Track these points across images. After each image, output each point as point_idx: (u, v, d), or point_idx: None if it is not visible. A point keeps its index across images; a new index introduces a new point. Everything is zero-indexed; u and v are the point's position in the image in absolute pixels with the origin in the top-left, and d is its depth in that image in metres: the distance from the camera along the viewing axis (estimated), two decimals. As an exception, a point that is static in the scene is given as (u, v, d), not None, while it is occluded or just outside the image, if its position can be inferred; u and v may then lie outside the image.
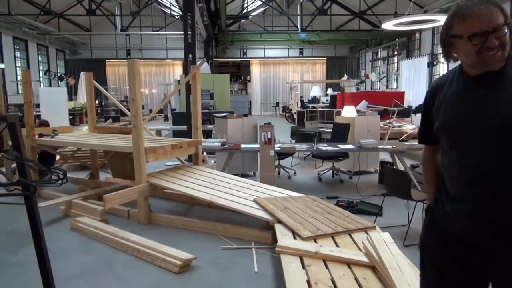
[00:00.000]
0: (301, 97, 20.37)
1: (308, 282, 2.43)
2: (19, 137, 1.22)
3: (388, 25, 8.88)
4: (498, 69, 1.28)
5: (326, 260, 2.72)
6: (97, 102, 17.36)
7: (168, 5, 19.30)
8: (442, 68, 15.46)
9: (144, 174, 4.28)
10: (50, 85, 18.60)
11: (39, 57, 18.72)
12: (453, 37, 1.31)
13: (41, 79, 18.50)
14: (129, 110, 4.51)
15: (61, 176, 1.23)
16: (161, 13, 20.46)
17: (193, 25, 7.34)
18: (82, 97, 12.47)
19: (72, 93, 18.23)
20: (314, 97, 18.27)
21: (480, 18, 1.23)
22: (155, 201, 4.83)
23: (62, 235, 3.96)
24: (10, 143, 1.37)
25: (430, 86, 1.53)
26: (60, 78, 17.94)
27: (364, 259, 2.67)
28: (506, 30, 1.24)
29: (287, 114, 18.95)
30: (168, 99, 10.23)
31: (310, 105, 16.07)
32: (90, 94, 5.87)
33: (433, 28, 15.21)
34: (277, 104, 23.81)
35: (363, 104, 5.71)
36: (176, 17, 18.45)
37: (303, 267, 2.64)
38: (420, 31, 16.78)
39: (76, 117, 16.10)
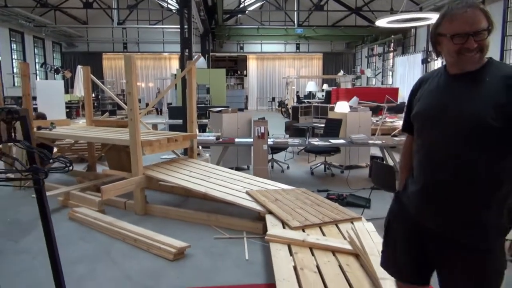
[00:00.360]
0: (297, 92, 20.51)
1: (295, 268, 2.59)
2: (30, 129, 1.35)
3: (382, 22, 9.01)
4: (474, 70, 1.41)
5: (312, 248, 2.88)
6: (93, 95, 17.40)
7: (165, -1, 19.32)
8: (436, 65, 15.62)
9: (140, 166, 4.41)
10: (47, 78, 18.62)
11: (36, 49, 18.72)
12: (439, 35, 1.44)
13: (37, 71, 18.52)
14: (125, 103, 4.63)
15: (68, 164, 1.36)
16: (158, 6, 20.45)
17: (190, 20, 7.45)
18: (79, 91, 12.55)
19: (68, 86, 18.25)
20: (310, 92, 18.41)
21: (465, 20, 1.36)
22: (150, 193, 4.97)
23: (60, 225, 4.09)
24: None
25: (418, 79, 1.67)
26: (57, 71, 17.97)
27: (348, 247, 2.83)
28: (486, 35, 1.36)
29: (282, 109, 19.09)
30: (163, 94, 10.31)
31: (306, 100, 16.22)
32: (87, 87, 5.98)
33: (428, 25, 15.34)
34: (273, 99, 23.94)
35: (354, 100, 5.86)
36: (173, 11, 18.45)
37: (291, 254, 2.80)
38: (415, 28, 16.92)
39: (72, 110, 16.16)
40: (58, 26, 18.45)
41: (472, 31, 1.35)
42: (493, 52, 11.74)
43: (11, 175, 1.48)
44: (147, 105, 18.40)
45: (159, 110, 19.72)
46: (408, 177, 1.62)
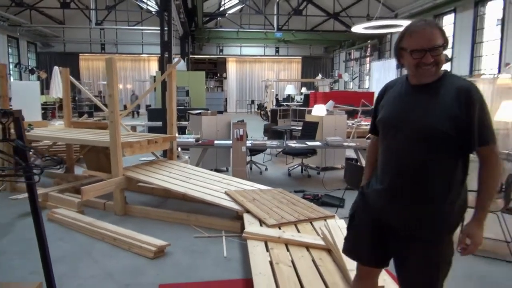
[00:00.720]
0: (276, 95, 20.75)
1: (271, 262, 2.73)
2: (22, 129, 1.43)
3: (358, 28, 9.31)
4: (431, 82, 1.58)
5: (288, 244, 3.04)
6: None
7: (145, 0, 19.21)
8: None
9: (120, 167, 4.47)
10: (21, 79, 18.22)
11: (9, 49, 18.29)
12: (401, 49, 1.61)
13: (11, 72, 18.10)
14: (104, 105, 4.68)
15: (60, 161, 1.46)
16: (137, 8, 20.32)
17: (170, 23, 7.52)
18: (56, 92, 12.35)
19: (44, 87, 17.92)
20: (289, 95, 18.68)
21: (422, 37, 1.53)
22: (130, 194, 5.02)
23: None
24: None
25: (383, 86, 1.84)
26: (31, 72, 17.61)
27: (321, 242, 3.00)
28: (441, 51, 1.54)
29: (262, 112, 19.28)
30: (143, 97, 10.31)
31: (284, 104, 16.46)
32: (66, 89, 5.98)
33: (402, 32, 15.87)
34: (253, 101, 24.12)
35: (329, 103, 6.08)
36: (153, 12, 18.40)
37: (267, 250, 2.94)
38: (391, 34, 17.42)
39: (48, 111, 15.87)
40: (33, 26, 18.11)
41: (429, 47, 1.52)
42: (463, 58, 12.29)
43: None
44: (125, 107, 18.24)
45: (134, 112, 19.57)
46: (373, 175, 1.79)
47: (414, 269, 1.62)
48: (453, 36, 12.88)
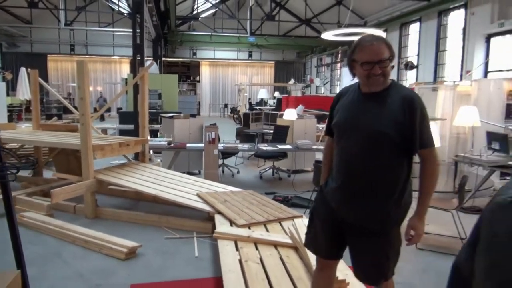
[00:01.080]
0: (249, 99, 20.92)
1: (240, 260, 2.85)
2: (-2, 131, 1.47)
3: (328, 35, 9.60)
4: (380, 91, 1.77)
5: (257, 242, 3.16)
6: (37, 98, 16.68)
7: (116, 2, 18.98)
8: (379, 76, 16.69)
9: (91, 170, 4.47)
10: (-15, 79, 17.57)
11: (-27, 48, 17.62)
12: (353, 61, 1.79)
13: (-25, 72, 17.42)
14: (74, 107, 4.66)
15: (35, 162, 1.50)
16: (109, 9, 20.02)
17: (142, 26, 7.52)
18: (23, 94, 12.04)
19: (9, 88, 17.35)
20: (262, 99, 18.90)
21: (371, 51, 1.71)
22: (101, 197, 5.01)
23: (7, 229, 4.04)
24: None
25: (338, 92, 2.01)
26: (-3, 72, 17.02)
27: (289, 241, 3.14)
28: (388, 63, 1.72)
29: (235, 116, 19.38)
30: (114, 101, 10.23)
31: (257, 107, 16.63)
32: (35, 91, 5.89)
33: (371, 39, 16.40)
34: (226, 105, 24.18)
35: (299, 108, 6.27)
36: (125, 14, 18.18)
37: (237, 249, 3.05)
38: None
39: (14, 114, 15.39)
40: (-1, 25, 17.53)
41: (377, 60, 1.70)
42: (428, 65, 12.85)
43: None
44: (95, 109, 17.90)
45: (102, 115, 19.16)
46: (330, 174, 1.94)
47: (366, 258, 1.80)
48: (419, 44, 13.45)
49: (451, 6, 11.66)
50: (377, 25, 14.81)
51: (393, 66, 1.76)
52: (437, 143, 4.31)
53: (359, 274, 1.87)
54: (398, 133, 1.69)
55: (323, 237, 1.93)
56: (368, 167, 1.74)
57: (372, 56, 1.70)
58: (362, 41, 1.75)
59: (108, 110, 20.42)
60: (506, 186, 0.62)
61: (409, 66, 12.68)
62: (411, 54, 14.16)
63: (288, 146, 6.16)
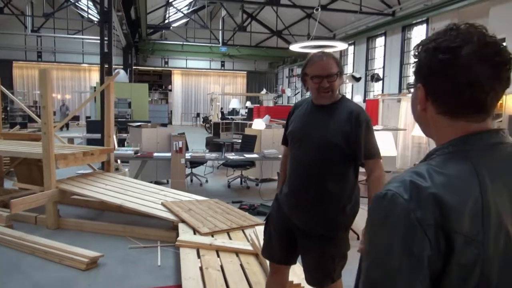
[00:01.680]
0: (222, 108, 20.98)
1: (201, 268, 2.89)
2: None
3: (296, 47, 9.84)
4: (330, 104, 1.90)
5: (218, 250, 3.21)
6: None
7: (86, 9, 18.71)
8: (348, 87, 17.15)
9: (53, 180, 4.40)
10: None
11: None
12: (305, 75, 1.91)
13: None
14: (39, 116, 4.59)
15: None
16: (78, 16, 19.71)
17: (110, 34, 7.49)
18: (-16, 101, 11.58)
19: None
20: (234, 109, 19.00)
21: (321, 66, 1.85)
22: (64, 207, 4.91)
23: (-38, 241, 3.92)
24: None
25: (294, 104, 2.15)
26: (-42, 79, 16.35)
27: (250, 248, 3.21)
28: (336, 78, 1.86)
29: (207, 125, 19.38)
30: (77, 111, 10.03)
31: (229, 117, 16.71)
32: (-4, 99, 5.74)
33: (341, 51, 16.87)
34: (198, 114, 24.14)
35: (266, 118, 6.41)
36: (94, 22, 17.94)
37: (199, 256, 3.10)
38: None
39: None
40: (-40, 30, 16.90)
41: (325, 74, 1.84)
42: (393, 78, 13.35)
43: None
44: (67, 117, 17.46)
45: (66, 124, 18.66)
46: (285, 181, 2.04)
47: (314, 261, 1.90)
48: (384, 57, 13.97)
49: (414, 22, 12.22)
50: (345, 38, 15.28)
51: (342, 82, 1.89)
52: (394, 152, 4.52)
53: (307, 276, 1.97)
54: (345, 143, 1.82)
55: (277, 242, 2.02)
56: (318, 174, 1.85)
57: (321, 71, 1.84)
58: (313, 57, 1.90)
59: (77, 118, 20.01)
60: (388, 182, 0.74)
61: (375, 78, 13.14)
62: (378, 66, 14.67)
63: (255, 155, 6.26)
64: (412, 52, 0.85)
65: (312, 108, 1.95)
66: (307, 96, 2.07)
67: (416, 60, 0.81)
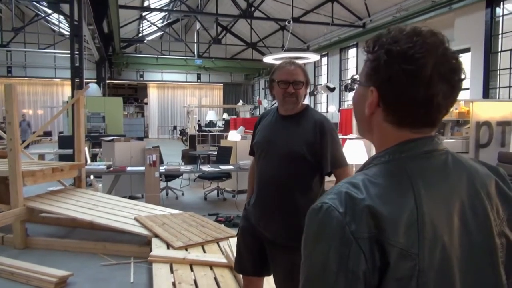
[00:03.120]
0: (199, 121, 20.88)
1: (174, 283, 2.83)
2: None
3: (269, 59, 9.94)
4: (295, 113, 1.92)
5: (192, 264, 3.16)
6: (-32, 123, 15.58)
7: (57, 23, 18.41)
8: (322, 97, 17.42)
9: (20, 197, 4.25)
10: None
11: None
12: (272, 81, 1.94)
13: None
14: (4, 132, 4.45)
15: None
16: (50, 30, 19.37)
17: (81, 49, 7.38)
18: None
19: None
20: (211, 121, 18.94)
21: (288, 71, 1.89)
22: (33, 226, 4.75)
23: None
24: None
25: (260, 115, 2.16)
26: None
27: (224, 260, 3.17)
28: (302, 86, 1.89)
29: (184, 138, 19.23)
30: (47, 125, 9.79)
31: (206, 129, 16.64)
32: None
33: (314, 62, 17.16)
34: (175, 127, 23.95)
35: (240, 129, 6.42)
36: (66, 36, 17.64)
37: (172, 271, 3.03)
38: (304, 64, 18.68)
39: None
40: None
41: (292, 80, 1.86)
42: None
43: None
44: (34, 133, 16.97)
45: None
46: (254, 187, 2.04)
47: (282, 271, 1.88)
48: (357, 67, 14.29)
49: (384, 33, 12.58)
50: (318, 50, 15.56)
51: (310, 93, 1.92)
52: (359, 160, 4.59)
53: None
54: (310, 153, 1.83)
55: (247, 254, 2.00)
56: (283, 184, 1.85)
57: (288, 76, 1.87)
58: (281, 63, 1.95)
59: (49, 134, 19.52)
60: (324, 194, 0.72)
61: (349, 88, 13.39)
62: (351, 76, 14.97)
63: (230, 167, 6.24)
64: (365, 45, 0.77)
65: (278, 118, 1.96)
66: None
67: (371, 58, 0.74)
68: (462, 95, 9.62)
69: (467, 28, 9.37)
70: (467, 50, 9.43)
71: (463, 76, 0.72)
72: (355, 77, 0.83)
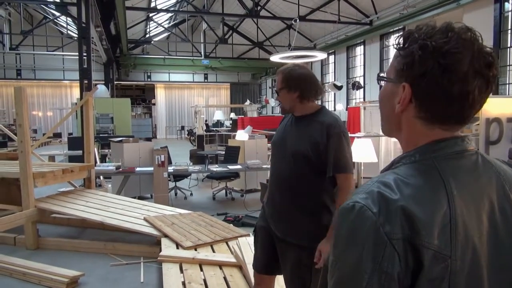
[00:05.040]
0: (206, 121, 20.93)
1: (183, 283, 2.85)
2: None
3: (276, 58, 9.93)
4: (307, 114, 1.93)
5: (201, 263, 3.18)
6: (-20, 125, 15.80)
7: (65, 26, 18.58)
8: (329, 96, 17.35)
9: (32, 199, 4.31)
10: None
11: None
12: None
13: None
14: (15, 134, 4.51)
15: None
16: (58, 32, 19.55)
17: (89, 51, 7.44)
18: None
19: None
20: (218, 121, 18.98)
21: (276, 82, 1.91)
22: (44, 227, 4.81)
23: None
24: None
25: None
26: None
27: (233, 260, 3.18)
28: (281, 92, 1.91)
29: (191, 138, 19.29)
30: (56, 127, 9.87)
31: (214, 129, 16.68)
32: (-28, 119, 5.62)
33: (321, 61, 17.10)
34: (183, 127, 24.03)
35: (248, 129, 6.42)
36: (74, 38, 17.79)
37: (181, 271, 3.05)
38: (311, 63, 18.61)
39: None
40: None
41: (277, 89, 1.95)
42: (374, 85, 13.56)
43: None
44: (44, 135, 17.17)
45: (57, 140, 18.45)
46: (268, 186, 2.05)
47: (290, 269, 1.89)
48: (364, 65, 14.22)
49: (391, 30, 12.49)
50: (325, 48, 15.51)
51: (292, 96, 1.90)
52: (375, 158, 4.57)
53: (286, 286, 1.95)
54: (314, 154, 1.82)
55: (261, 251, 2.01)
56: (293, 184, 1.86)
57: (276, 86, 1.96)
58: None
59: (59, 135, 19.71)
60: (354, 192, 0.70)
61: (356, 86, 13.33)
62: (358, 74, 14.91)
63: (238, 166, 6.25)
64: (394, 42, 0.76)
65: (293, 120, 1.99)
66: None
67: (403, 53, 0.73)
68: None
69: (475, 24, 9.12)
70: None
71: (496, 71, 0.71)
72: (381, 74, 0.81)
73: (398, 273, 0.63)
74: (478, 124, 6.80)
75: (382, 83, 0.80)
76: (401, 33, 0.76)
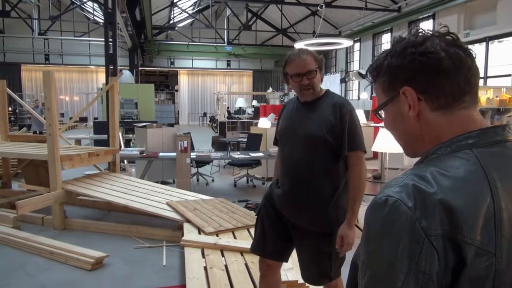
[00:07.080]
0: (228, 108, 20.97)
1: (205, 268, 2.87)
2: None
3: (300, 45, 9.78)
4: (314, 99, 1.89)
5: (223, 249, 3.19)
6: (10, 109, 16.34)
7: (92, 11, 18.83)
8: (353, 85, 17.04)
9: (59, 180, 4.42)
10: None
11: None
12: (286, 74, 1.90)
13: None
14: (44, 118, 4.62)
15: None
16: (84, 18, 19.84)
17: (115, 36, 7.50)
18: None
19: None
20: (240, 108, 18.99)
21: (299, 64, 1.83)
22: (71, 208, 4.94)
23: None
24: None
25: (283, 104, 2.15)
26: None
27: (254, 247, 3.18)
28: (315, 74, 1.83)
29: (213, 125, 19.39)
30: (83, 111, 10.09)
31: (236, 116, 16.71)
32: (2, 101, 5.79)
33: (346, 48, 16.77)
34: (205, 114, 24.17)
35: (271, 116, 6.39)
36: (100, 24, 18.02)
37: (203, 256, 3.08)
38: (336, 50, 18.29)
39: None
40: (-31, 34, 17.11)
41: (304, 72, 1.82)
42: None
43: None
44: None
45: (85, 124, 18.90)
46: (279, 176, 2.02)
47: (308, 257, 1.87)
48: (390, 53, 13.86)
49: (420, 17, 12.09)
50: (351, 35, 15.18)
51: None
52: (399, 149, 4.47)
53: (302, 274, 1.94)
54: (330, 135, 1.80)
55: (271, 236, 1.97)
56: (306, 171, 1.83)
57: (300, 69, 1.82)
58: (291, 55, 1.88)
59: (85, 120, 20.17)
60: (385, 186, 0.67)
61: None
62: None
63: (260, 154, 6.24)
64: (368, 77, 0.83)
65: (298, 106, 1.95)
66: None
67: (382, 75, 0.77)
68: (504, 82, 9.14)
69: (510, 11, 8.84)
70: (510, 34, 8.92)
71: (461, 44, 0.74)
72: (378, 111, 0.82)
73: (437, 273, 0.59)
74: (510, 116, 6.55)
75: (383, 114, 0.80)
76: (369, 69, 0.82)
